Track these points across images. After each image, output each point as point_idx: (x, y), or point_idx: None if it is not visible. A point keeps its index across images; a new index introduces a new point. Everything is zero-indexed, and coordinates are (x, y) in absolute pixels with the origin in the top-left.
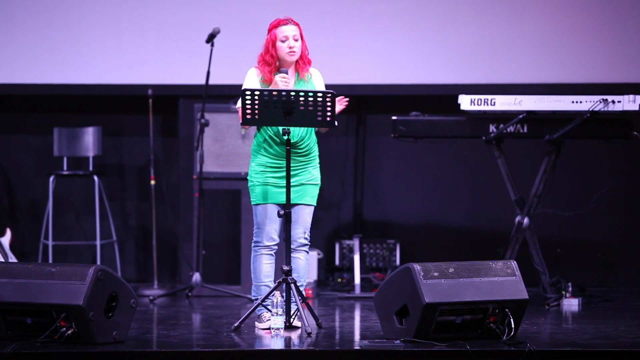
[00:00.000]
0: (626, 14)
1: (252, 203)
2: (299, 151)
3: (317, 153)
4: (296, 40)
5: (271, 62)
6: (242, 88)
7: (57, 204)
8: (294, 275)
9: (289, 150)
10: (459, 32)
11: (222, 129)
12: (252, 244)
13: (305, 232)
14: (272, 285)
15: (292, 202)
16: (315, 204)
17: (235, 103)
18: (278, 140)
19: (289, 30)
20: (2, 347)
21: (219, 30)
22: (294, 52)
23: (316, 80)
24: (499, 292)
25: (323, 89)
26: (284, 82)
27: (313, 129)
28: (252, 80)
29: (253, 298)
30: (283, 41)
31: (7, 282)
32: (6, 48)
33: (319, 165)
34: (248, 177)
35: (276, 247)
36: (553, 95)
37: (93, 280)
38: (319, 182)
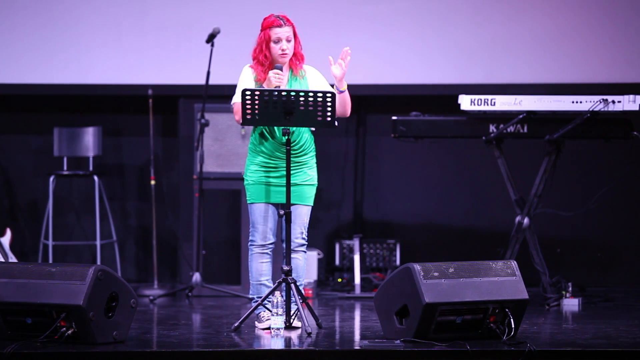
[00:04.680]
0: (626, 14)
1: (248, 202)
2: (293, 152)
3: (314, 154)
4: (289, 41)
5: (265, 62)
6: (237, 87)
7: (57, 204)
8: (293, 275)
9: (289, 150)
10: (459, 32)
11: (222, 129)
12: (248, 243)
13: (302, 233)
14: (270, 283)
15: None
16: (312, 204)
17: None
18: (269, 137)
19: (282, 32)
20: (2, 347)
21: (219, 30)
22: (285, 54)
23: (311, 77)
24: (499, 292)
25: (321, 84)
26: (278, 78)
27: (307, 130)
28: (247, 79)
29: (251, 297)
30: (276, 42)
31: (7, 282)
32: (6, 48)
33: (315, 166)
34: (244, 176)
35: (272, 245)
36: (553, 95)
37: (93, 280)
38: (315, 182)
